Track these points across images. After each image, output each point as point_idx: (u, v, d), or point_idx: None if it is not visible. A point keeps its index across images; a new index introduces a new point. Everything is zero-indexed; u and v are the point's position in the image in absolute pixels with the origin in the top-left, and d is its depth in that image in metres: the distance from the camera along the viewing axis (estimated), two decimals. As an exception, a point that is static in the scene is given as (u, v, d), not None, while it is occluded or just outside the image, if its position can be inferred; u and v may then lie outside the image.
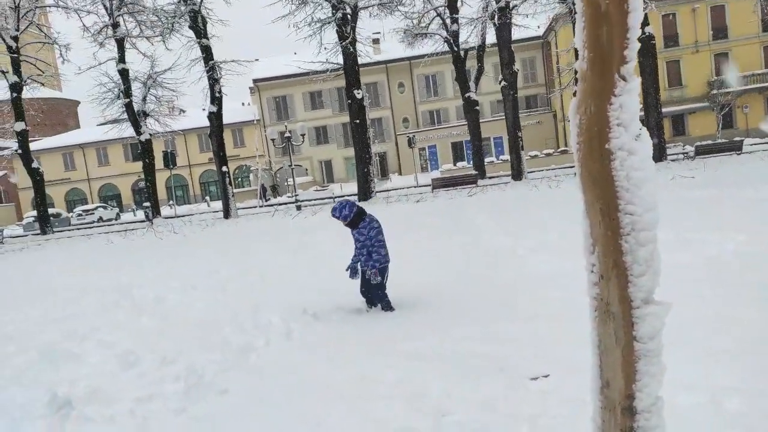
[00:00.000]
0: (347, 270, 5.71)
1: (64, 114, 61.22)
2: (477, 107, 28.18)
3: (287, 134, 25.52)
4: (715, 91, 38.10)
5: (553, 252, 7.21)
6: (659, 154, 24.49)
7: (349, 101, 23.08)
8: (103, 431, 3.40)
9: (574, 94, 1.79)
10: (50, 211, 33.22)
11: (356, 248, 5.60)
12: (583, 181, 1.77)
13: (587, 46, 1.67)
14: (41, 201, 27.57)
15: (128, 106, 26.64)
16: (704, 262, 5.67)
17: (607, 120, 1.67)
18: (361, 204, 21.21)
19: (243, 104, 55.41)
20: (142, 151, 27.53)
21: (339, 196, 32.26)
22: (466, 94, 27.72)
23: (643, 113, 25.44)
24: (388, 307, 5.57)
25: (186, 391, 3.90)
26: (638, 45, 1.66)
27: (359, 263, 5.62)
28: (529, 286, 5.73)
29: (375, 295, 5.65)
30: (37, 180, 26.88)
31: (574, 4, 20.74)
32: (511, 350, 3.99)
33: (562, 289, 5.19)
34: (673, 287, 4.77)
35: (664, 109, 27.89)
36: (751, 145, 30.04)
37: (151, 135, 28.25)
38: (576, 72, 2.57)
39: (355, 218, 5.56)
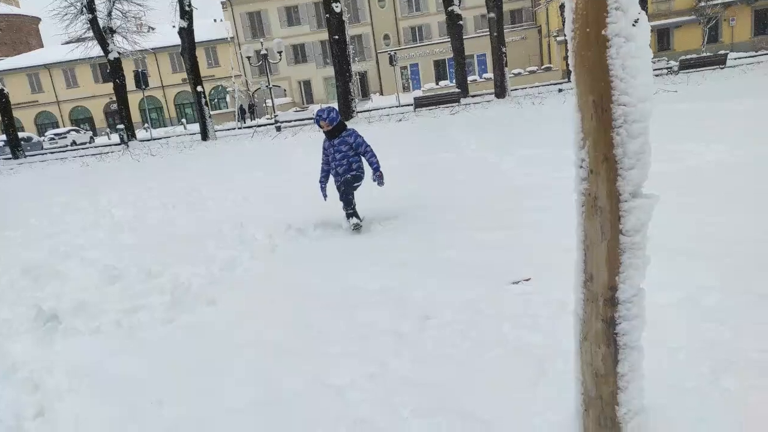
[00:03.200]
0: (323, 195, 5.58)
1: (24, 32, 57.78)
2: (460, 22, 27.16)
3: (263, 52, 24.49)
4: (702, 3, 37.13)
5: (536, 166, 7.22)
6: (644, 70, 24.13)
7: (327, 15, 22.01)
8: (90, 342, 3.44)
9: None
10: (20, 135, 32.06)
11: (339, 156, 5.39)
12: (576, 72, 1.70)
13: None
14: (9, 124, 26.55)
15: (93, 22, 25.14)
16: (684, 172, 5.74)
17: (605, 3, 1.57)
18: (342, 124, 20.87)
19: (215, 20, 52.66)
20: (111, 70, 26.31)
21: (319, 117, 31.55)
22: (450, 8, 26.60)
23: (629, 27, 24.77)
24: (354, 219, 5.35)
25: (173, 302, 3.93)
26: None
27: (340, 177, 5.42)
28: (513, 197, 5.78)
29: (347, 202, 5.41)
30: (2, 102, 25.72)
31: None
32: (493, 257, 4.06)
33: (544, 199, 5.24)
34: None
35: (650, 23, 27.18)
36: (735, 59, 29.77)
37: (119, 54, 26.88)
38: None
39: (339, 125, 5.42)
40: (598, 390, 1.92)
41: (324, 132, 5.51)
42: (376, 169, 5.39)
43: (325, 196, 5.64)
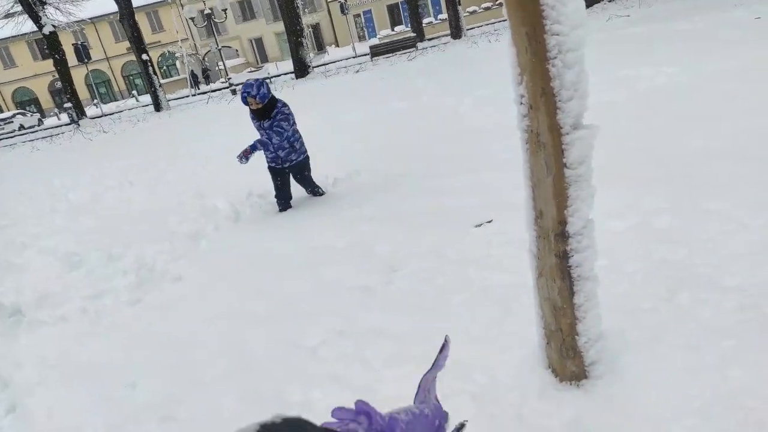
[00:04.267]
0: (239, 156, 4.60)
1: (-53, 12, 53.90)
2: (409, -39, 26.27)
3: (207, 11, 23.39)
4: None
5: (494, 106, 7.17)
6: (596, -4, 23.94)
7: (270, -34, 21.00)
8: (56, 332, 3.37)
9: None
10: (-39, 124, 30.42)
11: (279, 140, 4.65)
12: (507, 5, 1.65)
13: None
14: (-53, 114, 25.07)
15: (19, -6, 23.47)
16: (635, 97, 5.77)
17: (529, -72, 1.50)
18: (299, 81, 20.26)
19: (153, -19, 49.81)
20: (48, 46, 24.80)
21: (276, 76, 30.68)
22: (396, -52, 25.62)
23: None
24: (320, 191, 5.17)
25: (138, 283, 3.87)
26: None
27: (279, 150, 4.73)
28: (472, 139, 5.75)
29: (309, 183, 5.11)
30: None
31: None
32: (455, 202, 4.07)
33: (503, 139, 5.21)
34: (603, 123, 4.90)
35: (601, -54, 26.75)
36: (686, -22, 29.66)
37: (55, 27, 25.29)
38: None
39: (270, 103, 4.63)
40: (557, 322, 1.97)
41: (252, 111, 4.69)
42: (262, 144, 4.64)
43: (246, 159, 4.62)
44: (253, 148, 4.64)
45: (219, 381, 2.57)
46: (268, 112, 4.64)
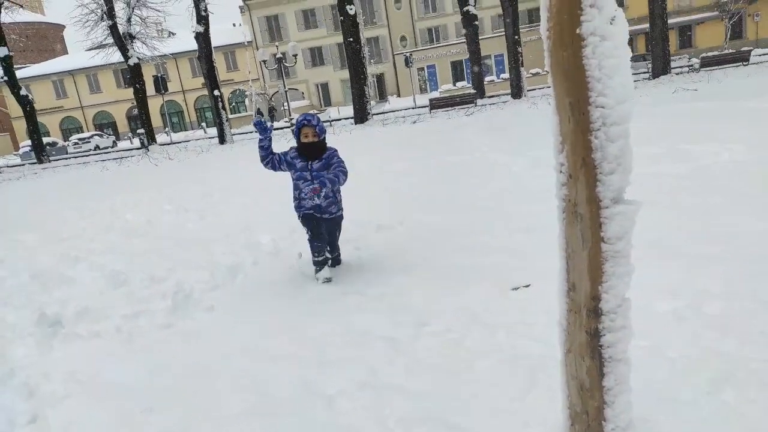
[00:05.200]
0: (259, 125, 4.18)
1: (50, 39, 59.20)
2: (476, 22, 26.96)
3: (279, 55, 24.64)
4: (724, -1, 36.36)
5: (547, 167, 7.08)
6: (663, 67, 23.75)
7: (342, 18, 22.05)
8: (89, 346, 3.46)
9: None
10: (45, 140, 32.80)
11: (330, 187, 4.07)
12: (552, 73, 1.64)
13: None
14: (34, 129, 27.09)
15: (113, 29, 25.53)
16: (697, 172, 5.57)
17: (579, 0, 1.51)
18: (357, 127, 20.82)
19: (234, 25, 53.27)
20: (132, 76, 26.69)
21: (336, 120, 31.66)
22: (465, 8, 26.43)
23: (648, 25, 24.38)
24: (340, 258, 4.56)
25: (173, 308, 3.94)
26: None
27: (326, 184, 4.03)
28: (522, 199, 5.68)
29: (336, 245, 4.49)
30: (28, 108, 26.29)
31: None
32: (496, 261, 3.99)
33: (554, 200, 5.13)
34: (661, 196, 4.73)
35: (670, 20, 26.72)
36: (760, 55, 29.03)
37: (139, 59, 27.25)
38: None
39: (323, 142, 4.22)
40: (583, 404, 1.85)
41: (302, 145, 4.16)
42: (331, 182, 4.06)
43: (265, 128, 4.20)
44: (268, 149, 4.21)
45: (232, 418, 2.54)
46: (319, 152, 4.17)
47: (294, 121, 22.43)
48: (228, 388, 2.82)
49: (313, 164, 4.15)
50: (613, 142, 1.58)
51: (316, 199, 4.12)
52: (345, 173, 4.17)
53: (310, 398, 2.62)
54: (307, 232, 4.26)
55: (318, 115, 4.67)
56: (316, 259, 4.24)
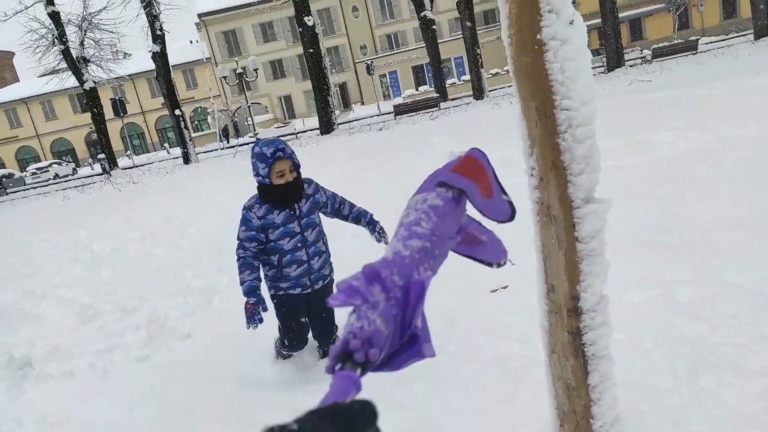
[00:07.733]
0: (250, 321, 2.76)
1: (-2, 68, 57.40)
2: (434, 26, 27.24)
3: (239, 71, 24.43)
4: (671, -10, 37.69)
5: (514, 167, 7.18)
6: (617, 60, 24.41)
7: (301, 30, 22.00)
8: (63, 387, 3.33)
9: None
10: (1, 172, 31.74)
11: (312, 234, 2.85)
12: (516, 79, 1.66)
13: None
14: (-12, 162, 26.20)
15: (65, 53, 24.91)
16: (655, 161, 5.72)
17: (537, 6, 1.53)
18: (324, 137, 20.75)
19: (191, 42, 52.63)
20: (88, 100, 26.07)
21: (302, 132, 31.52)
22: (422, 13, 26.69)
23: (600, 20, 25.06)
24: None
25: (148, 339, 3.83)
26: None
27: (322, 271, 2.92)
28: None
29: (331, 324, 3.04)
30: (-21, 141, 25.41)
31: None
32: (473, 265, 3.99)
33: (525, 200, 5.19)
34: (622, 189, 4.83)
35: (620, 14, 27.53)
36: (707, 43, 30.14)
37: (95, 83, 26.66)
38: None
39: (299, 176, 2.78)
40: (571, 404, 1.86)
41: (279, 189, 2.69)
42: (375, 221, 3.23)
43: (263, 310, 2.78)
44: (253, 288, 2.79)
45: (219, 448, 2.48)
46: (298, 190, 2.77)
47: (258, 136, 21.94)
48: (212, 417, 2.74)
49: (301, 207, 2.81)
50: (581, 143, 1.60)
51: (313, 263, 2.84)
52: (349, 203, 3.15)
53: (297, 420, 2.57)
54: (282, 327, 2.99)
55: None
56: (287, 352, 3.08)
